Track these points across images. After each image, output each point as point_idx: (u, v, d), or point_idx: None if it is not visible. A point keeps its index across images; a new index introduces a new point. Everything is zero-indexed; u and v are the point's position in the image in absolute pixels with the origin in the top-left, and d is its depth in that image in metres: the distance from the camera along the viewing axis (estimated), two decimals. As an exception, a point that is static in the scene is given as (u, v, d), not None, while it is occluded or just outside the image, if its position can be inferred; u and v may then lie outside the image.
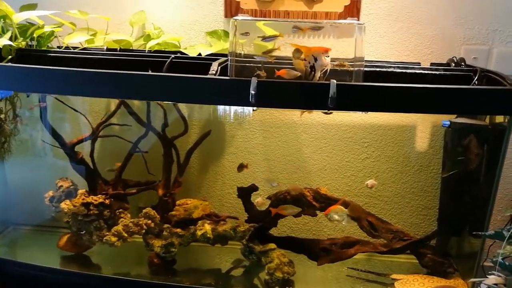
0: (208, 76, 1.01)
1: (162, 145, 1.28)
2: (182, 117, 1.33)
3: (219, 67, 1.09)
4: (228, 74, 1.04)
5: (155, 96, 1.05)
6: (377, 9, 1.41)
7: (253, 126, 1.46)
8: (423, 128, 1.38)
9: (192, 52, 1.35)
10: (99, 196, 1.27)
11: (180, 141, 1.34)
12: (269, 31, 1.14)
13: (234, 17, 1.04)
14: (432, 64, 1.35)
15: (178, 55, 1.28)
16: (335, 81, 0.99)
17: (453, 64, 1.32)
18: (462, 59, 1.32)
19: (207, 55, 1.32)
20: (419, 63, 1.35)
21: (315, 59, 1.01)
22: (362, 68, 1.04)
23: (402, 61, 1.37)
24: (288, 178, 1.46)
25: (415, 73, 1.22)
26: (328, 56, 1.02)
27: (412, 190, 1.45)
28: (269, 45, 1.24)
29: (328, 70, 1.02)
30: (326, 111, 1.08)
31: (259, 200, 1.22)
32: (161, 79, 1.02)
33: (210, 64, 1.11)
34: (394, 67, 1.23)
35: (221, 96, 1.01)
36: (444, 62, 1.37)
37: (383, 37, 1.43)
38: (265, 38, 1.05)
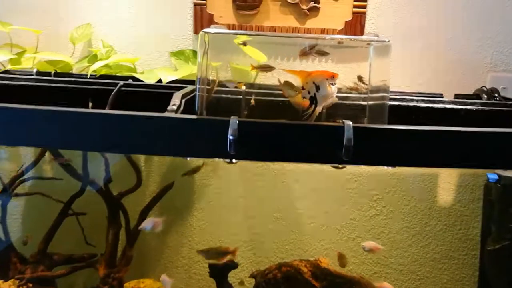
0: (165, 114, 0.69)
1: (105, 205, 0.92)
2: (133, 164, 0.98)
3: (183, 100, 0.77)
4: (196, 110, 0.72)
5: (84, 145, 0.70)
6: (385, 26, 1.14)
7: (231, 173, 1.13)
8: (451, 177, 1.09)
9: (150, 77, 1.03)
10: (12, 281, 0.89)
11: (130, 199, 0.98)
12: (253, 53, 0.83)
13: (205, 30, 0.72)
14: (457, 95, 1.07)
15: (130, 81, 0.95)
16: (350, 123, 0.68)
17: (485, 96, 1.05)
18: (495, 90, 1.06)
19: (169, 82, 0.99)
20: (441, 94, 1.07)
21: (317, 88, 0.71)
22: (387, 102, 0.73)
23: (419, 92, 1.09)
24: (277, 241, 1.13)
25: (446, 108, 0.93)
26: (335, 84, 0.71)
27: (434, 256, 1.14)
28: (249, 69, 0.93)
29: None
30: (337, 165, 0.76)
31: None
32: (92, 118, 0.68)
33: (172, 95, 0.79)
34: (417, 100, 0.94)
35: (183, 144, 0.68)
36: (470, 92, 1.09)
37: (391, 61, 1.14)
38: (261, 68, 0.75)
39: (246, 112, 0.84)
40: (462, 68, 1.14)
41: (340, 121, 0.81)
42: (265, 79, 0.87)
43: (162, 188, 1.00)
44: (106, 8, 1.14)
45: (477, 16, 1.12)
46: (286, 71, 0.73)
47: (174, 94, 0.77)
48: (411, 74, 1.15)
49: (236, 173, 1.14)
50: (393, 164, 0.72)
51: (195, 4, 1.13)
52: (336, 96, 0.71)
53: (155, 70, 1.09)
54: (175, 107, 0.72)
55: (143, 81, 1.00)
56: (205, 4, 1.13)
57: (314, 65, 0.76)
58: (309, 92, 0.69)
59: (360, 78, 0.78)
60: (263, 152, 0.68)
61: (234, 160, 0.79)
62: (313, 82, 0.68)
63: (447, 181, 1.10)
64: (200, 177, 1.13)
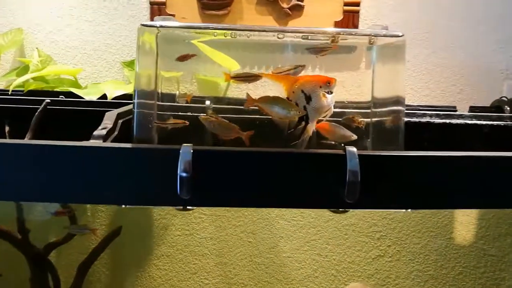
0: (85, 143, 0.47)
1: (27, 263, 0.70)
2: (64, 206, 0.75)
3: (120, 122, 0.55)
4: (132, 135, 0.51)
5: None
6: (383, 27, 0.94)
7: (198, 209, 0.91)
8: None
9: (93, 93, 0.81)
10: None
11: (62, 252, 0.76)
12: (220, 58, 0.63)
13: (146, 23, 0.51)
14: (472, 108, 0.90)
15: (61, 98, 0.73)
16: (355, 150, 0.48)
17: (508, 108, 0.88)
18: (517, 101, 0.88)
19: (118, 98, 0.78)
20: (454, 107, 0.89)
21: (308, 98, 0.51)
22: (402, 118, 0.54)
23: (428, 105, 0.91)
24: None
25: (467, 125, 0.74)
26: (331, 93, 0.51)
27: (452, 305, 0.94)
28: (219, 80, 0.74)
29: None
30: (336, 209, 0.56)
31: None
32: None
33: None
34: (430, 115, 0.75)
35: (113, 187, 0.46)
36: (487, 104, 0.93)
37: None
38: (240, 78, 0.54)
39: (211, 138, 0.63)
40: (475, 76, 0.98)
41: (337, 145, 0.62)
42: (239, 92, 0.66)
43: (106, 235, 0.77)
44: (42, 10, 0.93)
45: (490, 17, 0.95)
46: (265, 76, 0.52)
47: (107, 114, 0.55)
48: (414, 85, 0.97)
49: (205, 209, 0.92)
50: (418, 207, 0.51)
51: (152, 4, 0.93)
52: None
53: (101, 84, 0.88)
54: (103, 132, 0.50)
55: (81, 98, 0.78)
56: (164, 3, 0.93)
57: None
58: (296, 105, 0.48)
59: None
60: (230, 195, 0.47)
61: (190, 208, 0.57)
62: (302, 91, 0.48)
63: (466, 213, 0.90)
64: (159, 215, 0.90)
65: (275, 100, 0.50)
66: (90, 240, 0.86)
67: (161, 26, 0.52)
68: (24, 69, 0.90)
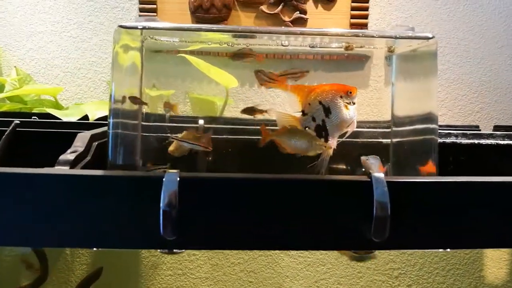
0: (47, 170, 0.37)
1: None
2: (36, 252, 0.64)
3: (95, 144, 0.46)
4: (109, 160, 0.41)
5: None
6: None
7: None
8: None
9: (73, 113, 0.72)
10: None
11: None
12: (215, 73, 0.55)
13: (125, 24, 0.43)
14: (497, 127, 0.82)
15: (33, 119, 0.64)
16: (382, 175, 0.38)
17: None
18: (547, 120, 0.79)
19: (99, 119, 0.69)
20: (477, 126, 0.81)
21: (327, 111, 0.42)
22: (436, 138, 0.45)
23: (447, 125, 0.82)
24: None
25: (498, 145, 0.65)
26: (354, 104, 0.42)
27: None
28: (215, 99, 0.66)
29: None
30: (359, 252, 0.47)
31: None
32: None
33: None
34: (456, 135, 0.66)
35: (80, 224, 0.36)
36: (511, 123, 0.85)
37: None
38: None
39: (208, 162, 0.54)
40: (496, 93, 0.88)
41: (353, 170, 0.54)
42: (237, 111, 0.58)
43: (84, 278, 0.66)
44: (22, 25, 0.85)
45: (509, 31, 0.87)
46: (275, 86, 0.44)
47: (78, 135, 0.46)
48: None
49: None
50: (462, 246, 0.41)
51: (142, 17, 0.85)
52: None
53: (83, 105, 0.79)
54: (71, 157, 0.41)
55: (58, 119, 0.69)
56: (155, 17, 0.84)
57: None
58: (313, 119, 0.40)
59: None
60: (227, 236, 0.37)
61: (177, 251, 0.47)
62: (320, 102, 0.39)
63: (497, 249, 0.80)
64: (148, 253, 0.80)
65: (293, 132, 0.41)
66: (67, 283, 0.75)
67: (145, 28, 0.44)
68: (-1, 88, 0.81)
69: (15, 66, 0.86)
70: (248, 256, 0.83)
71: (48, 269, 0.63)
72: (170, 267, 0.82)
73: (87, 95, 0.87)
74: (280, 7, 0.84)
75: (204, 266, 0.82)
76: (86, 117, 0.72)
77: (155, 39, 0.50)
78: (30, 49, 0.86)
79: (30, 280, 0.68)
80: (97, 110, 0.71)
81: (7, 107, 0.75)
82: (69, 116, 0.71)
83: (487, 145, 0.65)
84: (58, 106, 0.82)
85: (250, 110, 0.46)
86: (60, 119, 0.70)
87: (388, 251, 0.82)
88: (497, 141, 0.66)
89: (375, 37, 0.43)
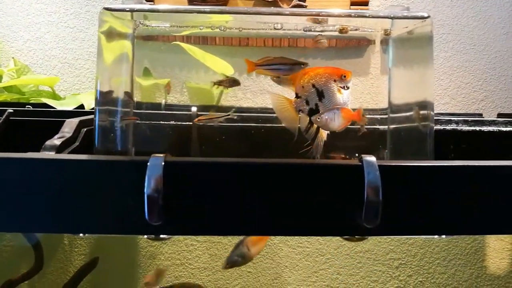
0: (30, 155, 0.37)
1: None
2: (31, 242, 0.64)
3: (84, 130, 0.46)
4: (95, 145, 0.41)
5: None
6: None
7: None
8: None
9: (70, 103, 0.72)
10: None
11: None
12: (210, 60, 0.54)
13: (109, 6, 0.42)
14: (501, 115, 0.80)
15: (27, 109, 0.64)
16: (374, 159, 0.37)
17: None
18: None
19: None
20: (481, 114, 0.80)
21: (320, 94, 0.41)
22: (431, 124, 0.44)
23: (450, 113, 0.80)
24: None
25: (500, 132, 0.64)
26: (347, 89, 0.41)
27: None
28: (213, 90, 0.64)
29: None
30: (352, 237, 0.46)
31: None
32: None
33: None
34: (457, 122, 0.65)
35: (64, 210, 0.35)
36: None
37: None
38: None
39: (200, 150, 0.53)
40: (501, 80, 0.87)
41: (352, 156, 0.53)
42: (236, 100, 0.58)
43: (80, 268, 0.66)
44: (18, 16, 0.85)
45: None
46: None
47: (66, 121, 0.45)
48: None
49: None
50: (457, 232, 0.40)
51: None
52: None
53: (80, 95, 0.79)
54: (57, 142, 0.40)
55: (52, 107, 0.69)
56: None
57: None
58: (307, 102, 0.39)
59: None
60: (215, 220, 0.36)
61: (164, 236, 0.47)
62: (313, 85, 0.39)
63: (499, 237, 0.78)
64: (146, 242, 0.79)
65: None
66: (65, 273, 0.76)
67: (133, 10, 0.43)
68: (-4, 79, 0.81)
69: (12, 57, 0.86)
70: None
71: (43, 259, 0.63)
72: (168, 257, 0.81)
73: (85, 85, 0.86)
74: (279, -6, 0.83)
75: (202, 256, 0.82)
76: (82, 107, 0.72)
77: (146, 26, 0.49)
78: (27, 40, 0.86)
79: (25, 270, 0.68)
80: (93, 100, 0.71)
81: (4, 97, 0.74)
82: (65, 105, 0.71)
83: (488, 131, 0.64)
84: (55, 97, 0.82)
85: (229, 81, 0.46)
86: (54, 107, 0.70)
87: (388, 241, 0.81)
88: (499, 128, 0.64)
89: (368, 17, 0.42)
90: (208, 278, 0.82)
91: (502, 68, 0.87)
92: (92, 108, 0.71)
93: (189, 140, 0.52)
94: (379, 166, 0.36)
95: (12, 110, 0.60)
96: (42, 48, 0.86)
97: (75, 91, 0.86)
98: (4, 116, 0.60)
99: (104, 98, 0.42)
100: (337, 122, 0.41)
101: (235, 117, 0.51)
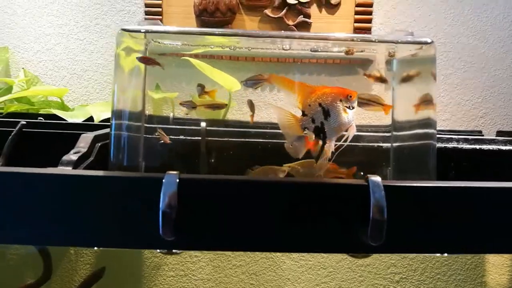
0: (47, 170, 0.38)
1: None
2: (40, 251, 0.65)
3: (98, 145, 0.47)
4: (111, 160, 0.42)
5: None
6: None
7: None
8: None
9: (79, 115, 0.73)
10: None
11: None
12: (218, 76, 0.56)
13: (127, 27, 0.43)
14: (500, 133, 0.82)
15: (39, 121, 0.65)
16: (379, 180, 0.39)
17: None
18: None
19: (103, 121, 0.70)
20: (480, 131, 0.81)
21: (326, 113, 0.43)
22: (433, 142, 0.46)
23: (450, 130, 0.82)
24: None
25: (500, 151, 0.65)
26: (353, 108, 0.43)
27: None
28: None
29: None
30: (357, 254, 0.47)
31: None
32: None
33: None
34: (457, 140, 0.66)
35: (80, 223, 0.37)
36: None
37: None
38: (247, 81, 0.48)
39: (208, 165, 0.55)
40: (500, 98, 0.88)
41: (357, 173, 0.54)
42: (241, 114, 0.59)
43: (86, 279, 0.67)
44: (29, 28, 0.86)
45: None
46: (275, 82, 0.45)
47: (82, 136, 0.47)
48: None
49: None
50: (460, 251, 0.41)
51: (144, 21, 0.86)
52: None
53: (88, 106, 0.80)
54: (74, 157, 0.42)
55: (63, 120, 0.70)
56: (160, 21, 0.86)
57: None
58: (313, 120, 0.40)
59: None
60: (225, 237, 0.37)
61: (176, 251, 0.48)
62: (320, 104, 0.40)
63: (499, 254, 0.79)
64: (151, 253, 0.80)
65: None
66: (71, 282, 0.76)
67: (147, 32, 0.44)
68: (7, 90, 0.83)
69: (23, 68, 0.87)
70: (249, 258, 0.84)
71: (51, 268, 0.64)
72: (172, 268, 0.82)
73: (93, 96, 0.88)
74: (284, 11, 0.85)
75: (206, 268, 0.82)
76: (91, 119, 0.73)
77: (158, 43, 0.51)
78: (37, 51, 0.87)
79: (34, 279, 0.69)
80: (102, 112, 0.72)
81: (14, 107, 0.76)
82: (75, 117, 0.72)
83: (489, 150, 0.65)
84: (64, 107, 0.83)
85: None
86: (66, 120, 0.71)
87: (389, 255, 0.82)
88: (499, 147, 0.66)
89: (374, 41, 0.43)
90: (211, 289, 0.83)
91: (501, 86, 0.89)
92: (102, 121, 0.72)
93: (198, 154, 0.54)
94: (384, 186, 0.38)
95: (25, 122, 0.62)
96: (52, 59, 0.88)
97: (83, 102, 0.88)
98: (17, 128, 0.62)
99: (119, 113, 0.44)
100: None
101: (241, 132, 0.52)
